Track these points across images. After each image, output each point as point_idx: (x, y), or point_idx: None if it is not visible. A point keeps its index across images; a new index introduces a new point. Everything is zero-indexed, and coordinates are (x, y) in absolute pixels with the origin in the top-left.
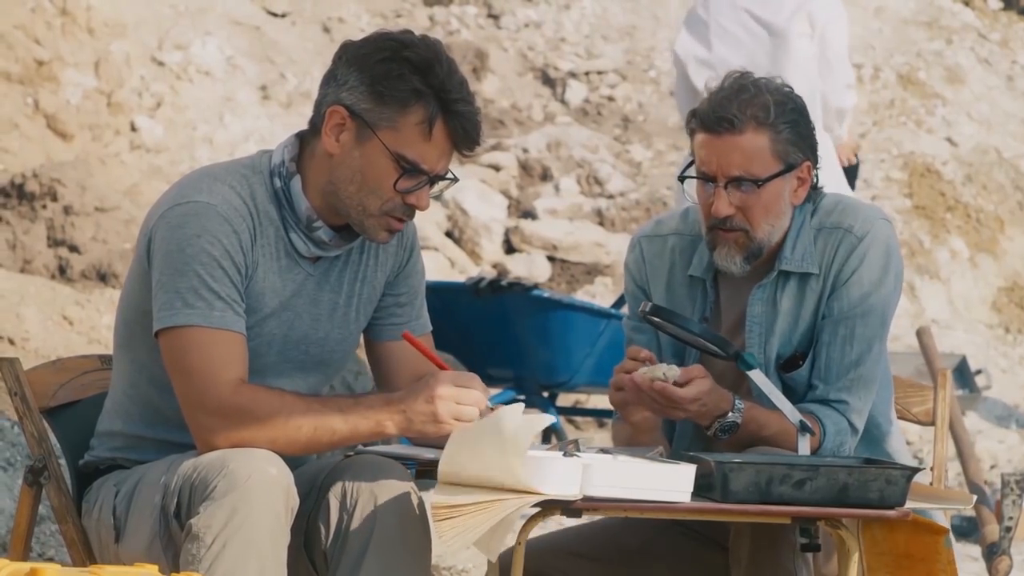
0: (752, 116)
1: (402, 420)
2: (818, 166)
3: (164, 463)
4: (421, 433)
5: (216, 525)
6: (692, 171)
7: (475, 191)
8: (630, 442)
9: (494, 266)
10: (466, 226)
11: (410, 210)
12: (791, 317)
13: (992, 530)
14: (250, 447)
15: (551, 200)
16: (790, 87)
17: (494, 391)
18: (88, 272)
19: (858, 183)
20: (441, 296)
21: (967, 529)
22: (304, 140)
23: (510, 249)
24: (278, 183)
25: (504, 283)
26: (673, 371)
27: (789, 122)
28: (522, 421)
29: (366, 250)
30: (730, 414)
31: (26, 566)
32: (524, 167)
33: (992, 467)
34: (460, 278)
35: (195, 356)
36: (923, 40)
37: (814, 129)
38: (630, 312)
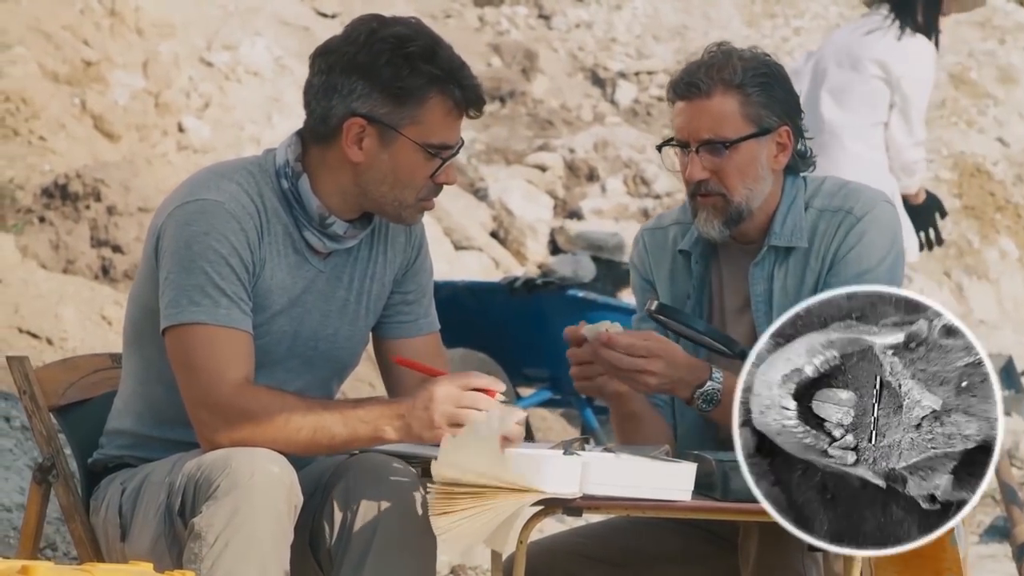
0: (720, 79)
1: (402, 426)
2: (805, 135)
3: (169, 462)
4: (420, 439)
5: (218, 524)
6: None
7: (521, 191)
8: (626, 424)
9: (539, 266)
10: (511, 226)
11: (439, 188)
12: (792, 296)
13: (1023, 531)
14: (251, 446)
15: (597, 200)
16: (768, 55)
17: (530, 391)
18: (131, 272)
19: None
20: (477, 296)
21: (1007, 530)
22: (305, 140)
23: (555, 250)
24: (285, 184)
25: (539, 282)
26: (616, 327)
27: (760, 85)
28: (494, 424)
29: (375, 247)
30: (708, 383)
31: (18, 564)
32: (570, 167)
33: None
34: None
35: (200, 353)
36: (976, 40)
37: (796, 96)
38: (638, 308)
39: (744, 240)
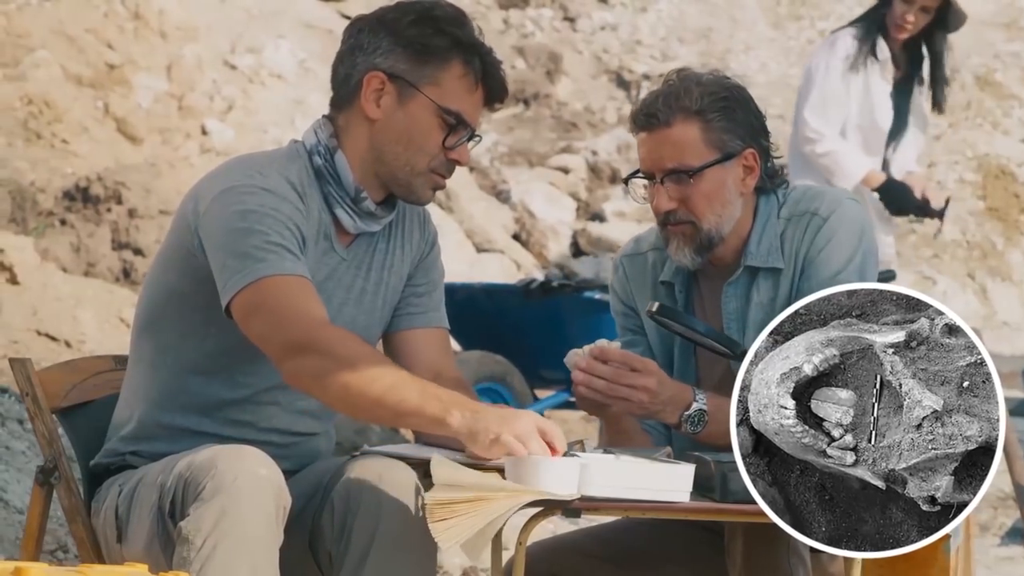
0: (679, 108)
1: (470, 417)
2: (774, 155)
3: (163, 463)
4: (474, 437)
5: (205, 527)
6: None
7: (543, 193)
8: (616, 440)
9: (561, 268)
10: (533, 228)
11: (452, 166)
12: (768, 309)
13: None
14: (325, 386)
15: (619, 203)
16: (728, 77)
17: (547, 393)
18: None
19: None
20: (493, 298)
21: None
22: (333, 119)
23: (577, 252)
24: (319, 160)
25: (555, 284)
26: (614, 344)
27: (721, 110)
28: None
29: (392, 240)
30: (694, 404)
31: (11, 565)
32: (593, 169)
33: None
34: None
35: (280, 299)
36: (1001, 41)
37: (761, 117)
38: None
39: (721, 263)
